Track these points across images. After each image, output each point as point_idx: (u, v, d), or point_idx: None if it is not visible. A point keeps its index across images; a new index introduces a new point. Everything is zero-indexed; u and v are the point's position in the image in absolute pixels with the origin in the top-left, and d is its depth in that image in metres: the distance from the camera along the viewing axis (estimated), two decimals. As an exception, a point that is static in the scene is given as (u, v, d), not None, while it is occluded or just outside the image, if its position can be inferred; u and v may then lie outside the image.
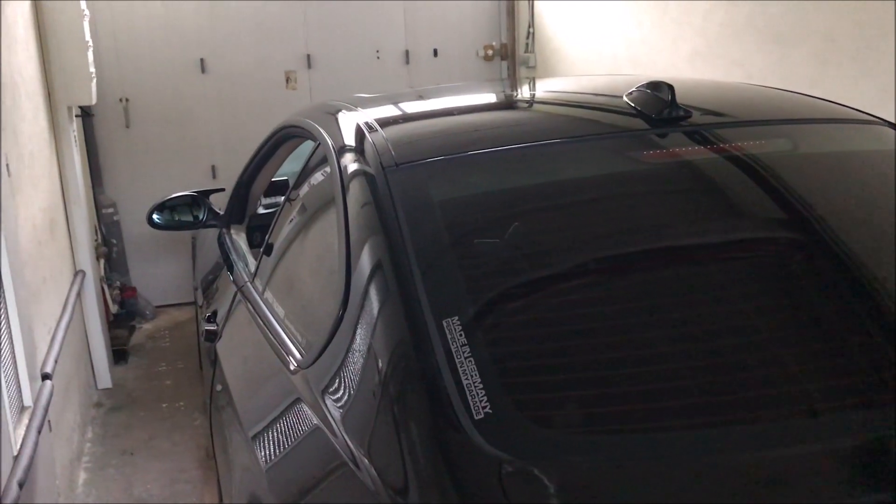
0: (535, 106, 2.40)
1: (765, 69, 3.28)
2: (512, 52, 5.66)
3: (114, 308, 4.87)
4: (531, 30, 5.39)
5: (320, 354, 1.58)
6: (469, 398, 1.23)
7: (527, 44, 5.45)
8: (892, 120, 1.99)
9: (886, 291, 1.51)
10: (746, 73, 3.38)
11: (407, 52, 5.56)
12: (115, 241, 5.08)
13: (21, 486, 2.23)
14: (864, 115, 1.97)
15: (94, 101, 4.24)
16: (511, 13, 5.60)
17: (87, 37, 4.08)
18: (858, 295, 1.53)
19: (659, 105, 1.79)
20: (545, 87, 2.68)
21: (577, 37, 4.90)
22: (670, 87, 1.80)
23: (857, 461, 1.25)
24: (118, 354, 4.68)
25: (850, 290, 1.54)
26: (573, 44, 4.96)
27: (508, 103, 2.49)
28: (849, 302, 1.51)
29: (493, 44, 5.67)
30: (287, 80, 5.38)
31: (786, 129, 1.89)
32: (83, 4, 4.07)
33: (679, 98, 1.79)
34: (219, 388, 2.28)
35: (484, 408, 1.22)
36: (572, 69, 4.97)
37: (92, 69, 4.12)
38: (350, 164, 1.83)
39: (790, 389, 1.34)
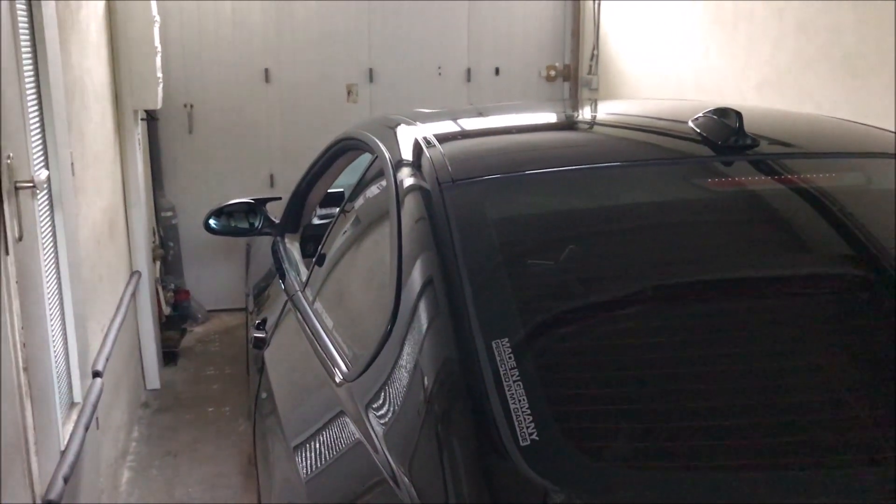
0: (596, 128, 2.36)
1: (837, 101, 3.19)
2: (575, 74, 5.62)
3: (167, 310, 4.94)
4: (595, 52, 5.35)
5: (366, 368, 1.56)
6: (516, 423, 1.20)
7: (590, 65, 5.41)
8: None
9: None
10: (817, 104, 3.29)
11: (469, 70, 5.56)
12: (171, 244, 5.16)
13: (66, 480, 2.25)
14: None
15: (159, 106, 4.33)
16: (576, 34, 5.57)
17: (157, 43, 4.17)
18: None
19: (726, 132, 1.74)
20: (607, 109, 2.64)
21: (642, 60, 4.84)
22: (738, 115, 1.74)
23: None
24: (168, 356, 4.74)
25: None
26: (638, 67, 4.90)
27: (569, 124, 2.45)
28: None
29: (556, 64, 5.64)
30: (348, 93, 5.42)
31: (857, 163, 1.83)
32: (154, 11, 4.16)
33: (747, 126, 1.73)
34: (264, 395, 2.28)
35: (531, 434, 1.19)
36: (636, 92, 4.91)
37: (159, 74, 4.21)
38: (406, 178, 1.81)
39: (850, 436, 1.27)
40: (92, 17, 3.53)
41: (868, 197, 1.78)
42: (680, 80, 4.41)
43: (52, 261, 2.51)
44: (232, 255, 5.22)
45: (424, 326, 1.43)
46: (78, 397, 2.67)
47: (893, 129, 2.03)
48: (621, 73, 5.10)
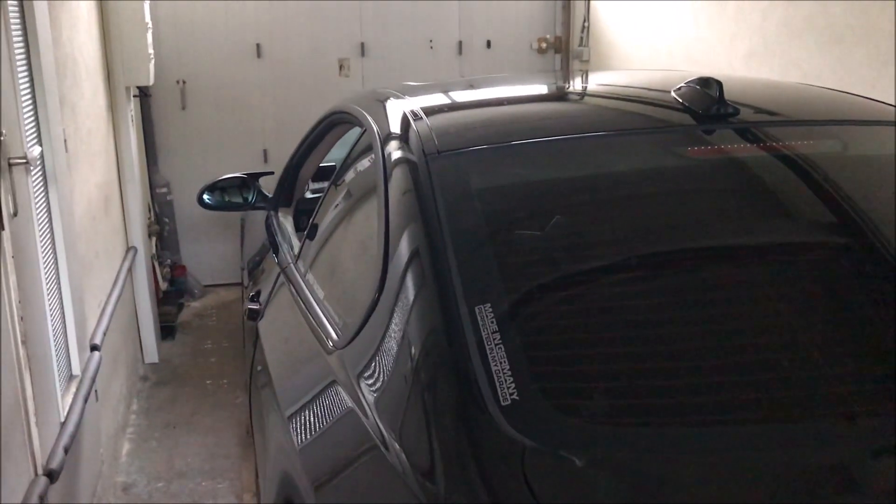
0: (582, 98, 2.39)
1: (823, 69, 3.21)
2: (566, 46, 5.62)
3: (163, 285, 4.98)
4: (586, 24, 5.35)
5: (356, 335, 1.60)
6: (497, 384, 1.25)
7: (581, 37, 5.41)
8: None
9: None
10: (803, 74, 3.31)
11: (460, 43, 5.56)
12: (167, 220, 5.19)
13: (66, 451, 2.30)
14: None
15: (151, 82, 4.33)
16: (566, 7, 5.56)
17: (148, 18, 4.17)
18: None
19: (707, 101, 1.77)
20: (593, 80, 2.66)
21: (632, 32, 4.85)
22: (719, 84, 1.77)
23: (891, 468, 1.22)
24: (166, 330, 4.79)
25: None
26: (628, 39, 4.91)
27: (555, 95, 2.48)
28: (893, 307, 1.48)
29: (548, 36, 5.64)
30: (340, 68, 5.42)
31: (835, 131, 1.86)
32: (145, -13, 4.16)
33: (728, 95, 1.76)
34: (259, 367, 2.32)
35: (511, 394, 1.23)
36: (626, 64, 4.92)
37: (151, 51, 4.21)
38: (394, 151, 1.85)
39: (827, 391, 1.32)
40: (82, -7, 3.53)
41: (844, 163, 1.81)
42: (670, 50, 4.42)
43: (48, 236, 2.54)
44: (228, 230, 5.25)
45: (411, 295, 1.47)
46: (76, 370, 2.71)
47: (876, 98, 2.06)
48: (612, 45, 5.10)
